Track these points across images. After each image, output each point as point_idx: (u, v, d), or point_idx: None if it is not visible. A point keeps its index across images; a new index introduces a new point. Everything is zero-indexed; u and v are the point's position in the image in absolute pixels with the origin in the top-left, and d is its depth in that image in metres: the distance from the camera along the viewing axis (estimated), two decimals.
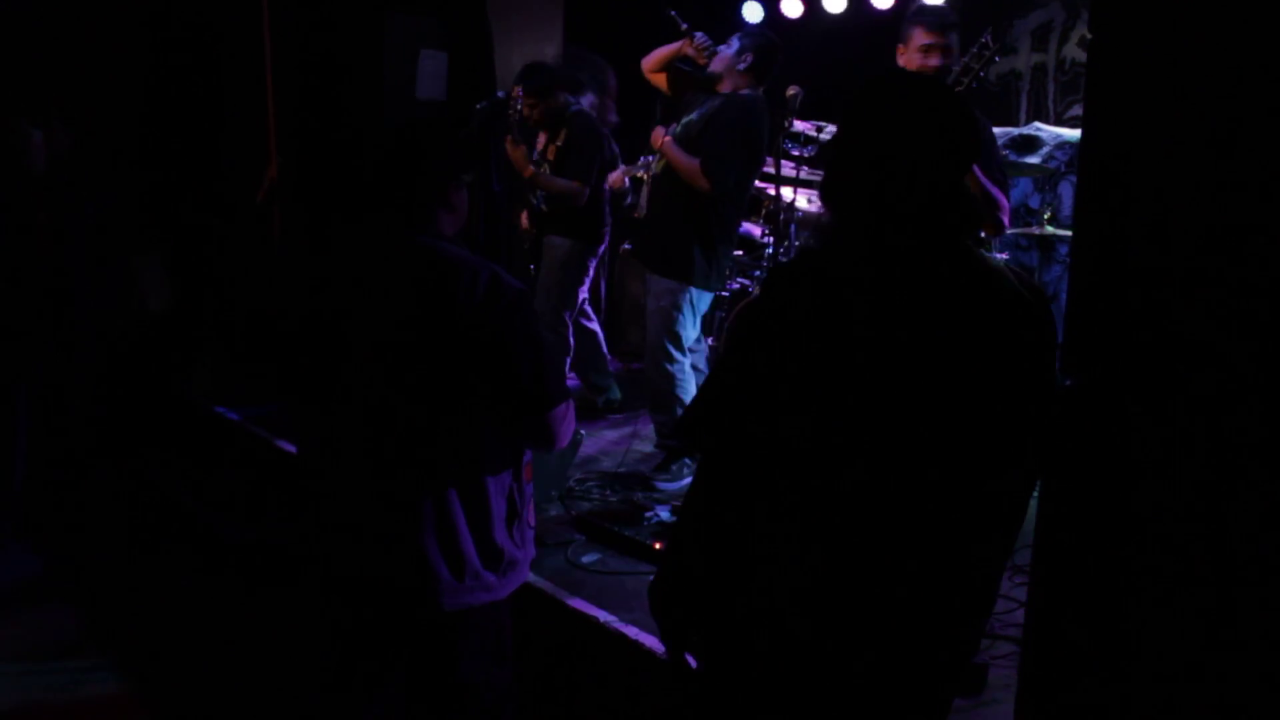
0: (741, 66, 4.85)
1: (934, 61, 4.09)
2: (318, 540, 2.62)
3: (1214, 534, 1.97)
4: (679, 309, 4.88)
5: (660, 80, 5.20)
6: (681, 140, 4.84)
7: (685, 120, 4.91)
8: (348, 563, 2.55)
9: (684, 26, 4.96)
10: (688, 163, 4.75)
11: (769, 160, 5.39)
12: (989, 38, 4.05)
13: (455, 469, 2.49)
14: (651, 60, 5.17)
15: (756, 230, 6.02)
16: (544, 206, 5.81)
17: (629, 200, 7.17)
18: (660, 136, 4.87)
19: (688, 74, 5.04)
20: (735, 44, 4.87)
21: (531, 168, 5.65)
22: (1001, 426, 1.87)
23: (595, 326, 6.28)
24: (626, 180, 6.97)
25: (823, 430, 1.87)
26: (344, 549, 2.55)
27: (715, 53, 4.92)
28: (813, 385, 1.87)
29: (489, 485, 2.53)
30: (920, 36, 4.13)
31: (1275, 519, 1.88)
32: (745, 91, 4.87)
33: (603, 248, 5.99)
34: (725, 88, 4.89)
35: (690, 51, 4.97)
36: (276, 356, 2.66)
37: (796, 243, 5.86)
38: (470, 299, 2.43)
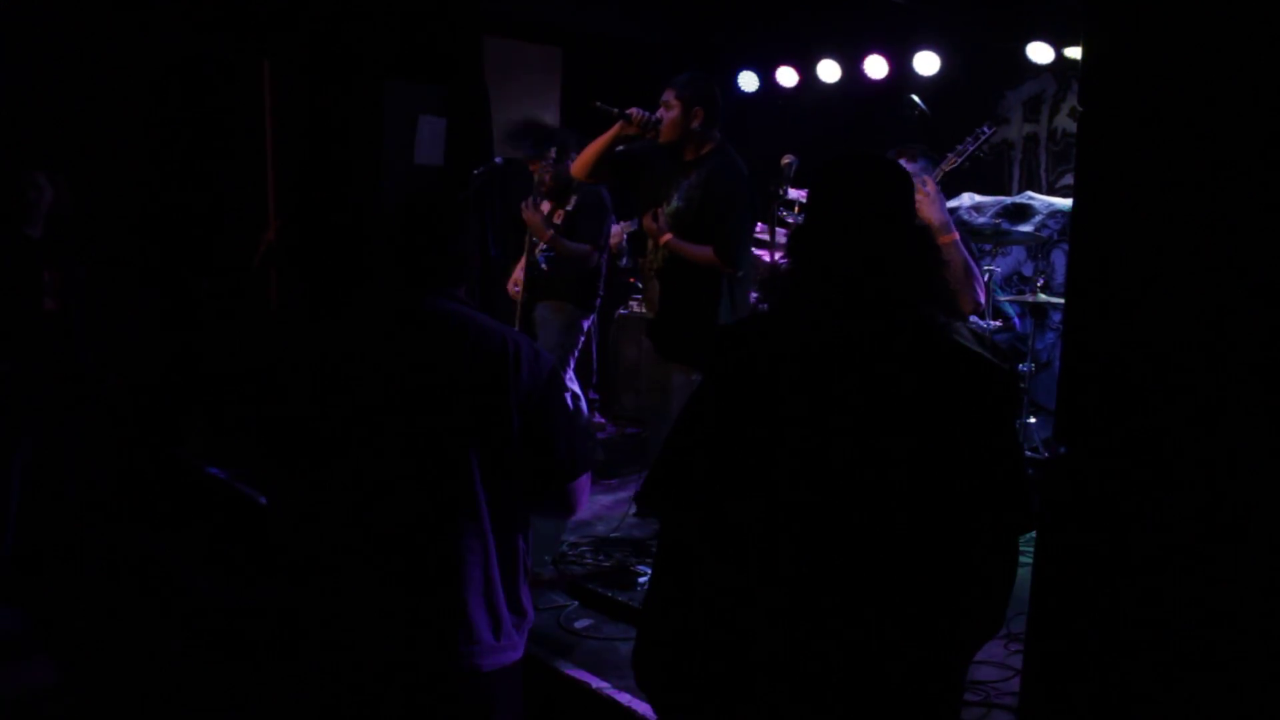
0: (696, 125, 4.67)
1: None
2: (338, 612, 2.55)
3: (1210, 598, 1.97)
4: None
5: (603, 176, 5.00)
6: (676, 230, 4.70)
7: (672, 209, 4.73)
8: (375, 634, 2.49)
9: (614, 111, 4.69)
10: (699, 252, 4.64)
11: (763, 227, 5.42)
12: (987, 129, 4.29)
13: (492, 532, 2.48)
14: (586, 162, 4.89)
15: (752, 297, 6.05)
16: (545, 267, 5.84)
17: (624, 261, 7.23)
18: (661, 234, 4.70)
19: (638, 155, 4.86)
20: (675, 104, 4.65)
21: (550, 231, 5.64)
22: (942, 486, 1.85)
23: (576, 388, 6.31)
24: (624, 238, 7.03)
25: (767, 494, 1.90)
26: (372, 621, 2.49)
27: (657, 122, 4.66)
28: (752, 450, 1.91)
29: (520, 546, 2.56)
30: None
31: (1272, 582, 1.88)
32: (710, 149, 4.73)
33: (595, 313, 6.03)
34: (690, 154, 4.74)
35: (633, 131, 4.71)
36: (287, 423, 2.61)
37: None
38: (517, 370, 2.45)
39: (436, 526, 2.46)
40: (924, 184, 4.15)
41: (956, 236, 4.17)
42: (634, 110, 4.67)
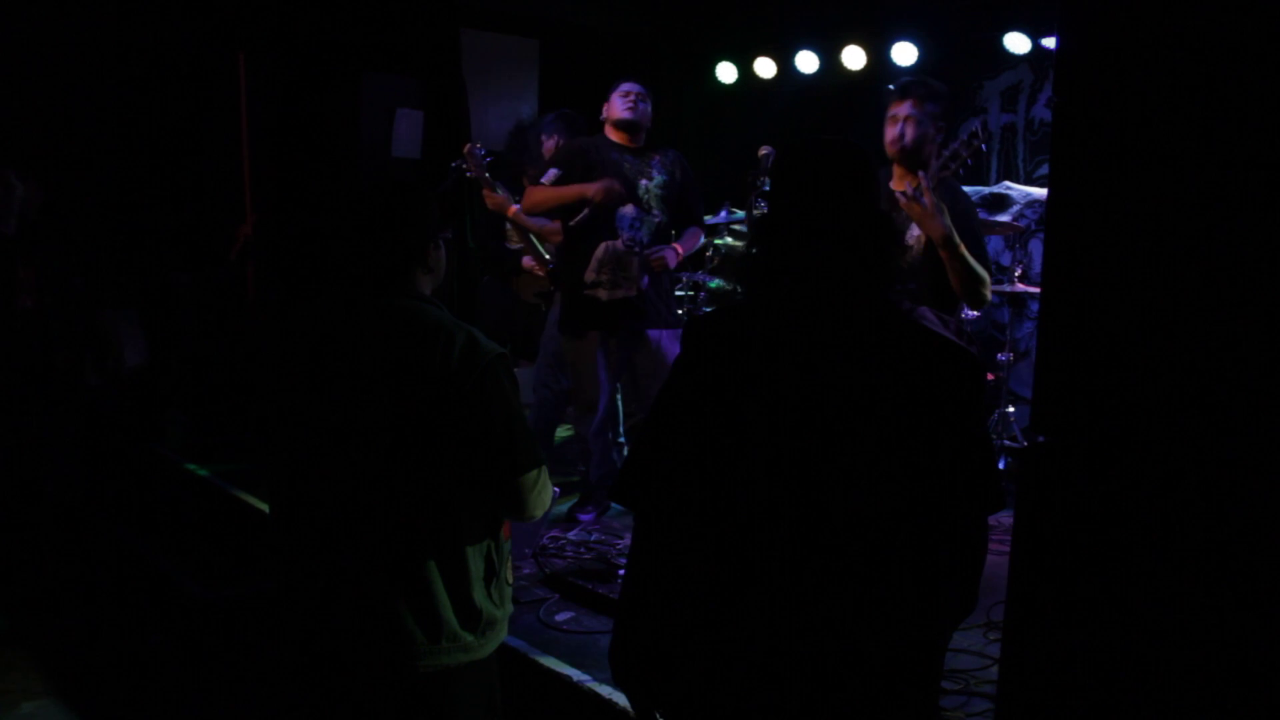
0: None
1: (893, 132, 4.01)
2: (294, 604, 2.58)
3: (1185, 586, 1.98)
4: None
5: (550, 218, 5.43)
6: (665, 200, 5.06)
7: (659, 181, 5.04)
8: (323, 627, 2.51)
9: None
10: (695, 240, 5.29)
11: (741, 217, 5.47)
12: (978, 126, 3.94)
13: (432, 531, 2.46)
14: (538, 205, 5.10)
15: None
16: (553, 264, 5.84)
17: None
18: (663, 258, 5.00)
19: (587, 151, 5.08)
20: (648, 98, 5.09)
21: (514, 206, 5.63)
22: (913, 470, 1.86)
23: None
24: None
25: (742, 485, 1.90)
26: (319, 614, 2.51)
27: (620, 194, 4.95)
28: (726, 441, 1.92)
29: (466, 546, 2.50)
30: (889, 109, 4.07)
31: (1249, 575, 1.89)
32: (657, 142, 5.23)
33: None
34: (644, 142, 5.12)
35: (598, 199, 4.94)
36: (254, 416, 2.63)
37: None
38: (446, 362, 2.41)
39: (369, 522, 2.45)
40: (921, 196, 3.73)
41: (963, 248, 3.76)
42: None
